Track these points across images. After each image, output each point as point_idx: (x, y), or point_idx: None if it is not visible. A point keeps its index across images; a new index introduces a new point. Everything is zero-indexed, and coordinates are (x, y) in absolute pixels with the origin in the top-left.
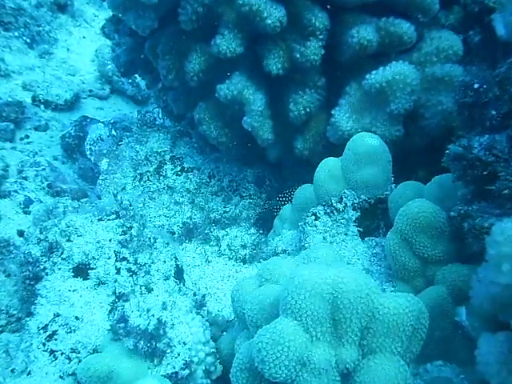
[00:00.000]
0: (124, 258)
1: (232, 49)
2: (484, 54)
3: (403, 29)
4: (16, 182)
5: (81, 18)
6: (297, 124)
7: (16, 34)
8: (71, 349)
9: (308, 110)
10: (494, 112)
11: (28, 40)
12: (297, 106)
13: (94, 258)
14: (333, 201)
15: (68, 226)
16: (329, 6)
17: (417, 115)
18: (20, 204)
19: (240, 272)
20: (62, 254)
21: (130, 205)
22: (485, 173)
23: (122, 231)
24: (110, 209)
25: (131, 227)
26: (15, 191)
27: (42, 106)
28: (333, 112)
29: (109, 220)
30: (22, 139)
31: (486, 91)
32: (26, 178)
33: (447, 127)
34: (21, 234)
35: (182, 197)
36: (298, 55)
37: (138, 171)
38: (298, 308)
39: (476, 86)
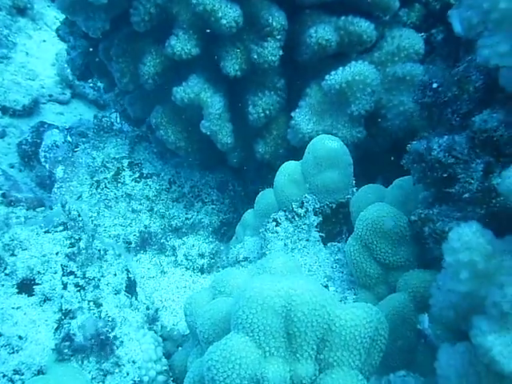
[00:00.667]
0: (71, 272)
1: (187, 50)
2: (447, 52)
3: (362, 27)
4: None
5: (41, 21)
6: (256, 127)
7: None
8: (14, 370)
9: (268, 112)
10: (452, 112)
11: None
12: (256, 108)
13: (39, 272)
14: (294, 206)
15: (12, 240)
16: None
17: (379, 116)
18: None
19: (197, 283)
20: (5, 269)
21: (79, 215)
22: (444, 175)
23: (70, 243)
24: (58, 220)
25: (80, 239)
26: None
27: None
28: (292, 114)
29: (56, 232)
30: None
31: (445, 91)
32: None
33: (410, 128)
34: None
35: (140, 204)
36: (255, 56)
37: (95, 178)
38: (250, 323)
39: (435, 85)
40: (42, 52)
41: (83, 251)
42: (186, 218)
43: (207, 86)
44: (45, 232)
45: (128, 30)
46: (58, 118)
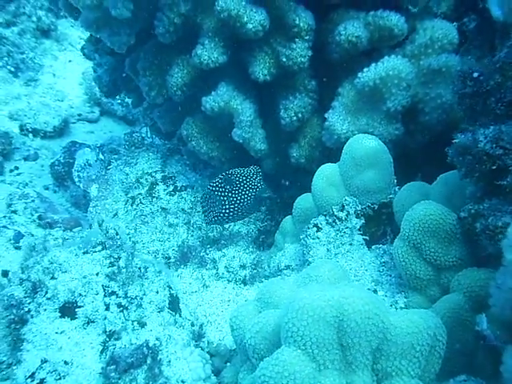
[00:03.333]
0: (113, 293)
1: (214, 58)
2: (481, 40)
3: (393, 21)
4: (5, 216)
5: (66, 42)
6: (290, 131)
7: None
8: None
9: (300, 115)
10: (496, 101)
11: (12, 69)
12: (288, 112)
13: (80, 294)
14: (334, 210)
15: (51, 263)
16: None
17: (416, 111)
18: (10, 240)
19: (241, 295)
20: (46, 293)
21: (117, 233)
22: (493, 167)
23: (110, 263)
24: (96, 240)
25: (119, 258)
26: (4, 226)
27: (30, 135)
28: (326, 115)
29: (95, 252)
30: (11, 171)
31: (487, 79)
32: (15, 212)
33: (450, 121)
34: (5, 273)
35: (177, 218)
36: (284, 59)
37: (130, 195)
38: (301, 335)
39: (475, 74)
40: (68, 72)
41: (123, 270)
42: (224, 229)
43: (236, 94)
44: (83, 253)
45: (153, 43)
46: (89, 136)
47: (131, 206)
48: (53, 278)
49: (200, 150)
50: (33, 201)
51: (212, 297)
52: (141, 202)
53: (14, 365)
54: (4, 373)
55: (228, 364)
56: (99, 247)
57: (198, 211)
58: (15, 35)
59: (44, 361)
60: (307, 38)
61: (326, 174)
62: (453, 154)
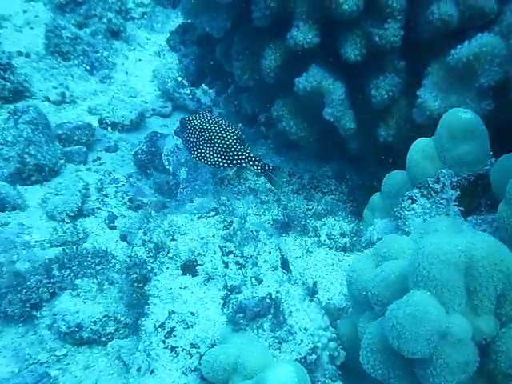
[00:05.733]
0: (230, 252)
1: (309, 39)
2: None
3: (483, 1)
4: (98, 199)
5: (134, 42)
6: (380, 109)
7: (76, 62)
8: (191, 344)
9: (391, 93)
10: None
11: (88, 67)
12: (379, 90)
13: (200, 254)
14: (429, 182)
15: (171, 226)
16: None
17: (506, 88)
18: (105, 220)
19: (343, 260)
20: (168, 253)
21: (228, 200)
22: None
23: (224, 226)
24: (209, 206)
25: (232, 222)
26: (98, 208)
27: (109, 128)
28: (418, 93)
29: (209, 217)
30: (94, 161)
31: None
32: (106, 195)
33: None
34: (124, 238)
35: (267, 196)
36: (377, 38)
37: (218, 176)
38: (432, 279)
39: None
40: (139, 70)
41: (238, 232)
42: (307, 209)
43: (327, 74)
44: (198, 218)
45: (246, 28)
46: (163, 129)
47: (220, 186)
48: (173, 239)
49: (290, 129)
50: (123, 185)
51: (316, 261)
52: (229, 183)
53: (130, 324)
54: (121, 331)
55: (338, 321)
56: (212, 212)
57: (284, 191)
58: (88, 36)
59: (172, 312)
60: (400, 18)
61: (421, 147)
62: None
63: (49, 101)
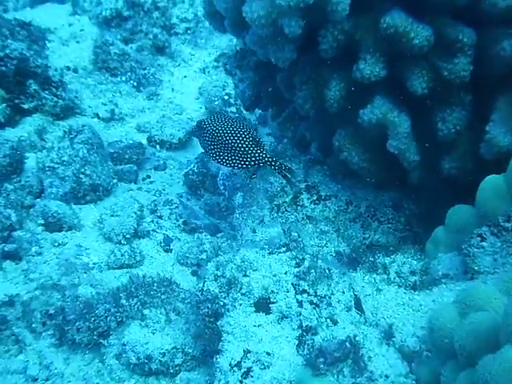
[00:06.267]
0: (304, 291)
1: (376, 73)
2: None
3: None
4: (152, 221)
5: (179, 58)
6: (446, 142)
7: (123, 78)
8: None
9: (458, 127)
10: None
11: (135, 83)
12: (446, 124)
13: (273, 291)
14: (500, 220)
15: (243, 261)
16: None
17: None
18: (160, 243)
19: (414, 300)
20: (240, 289)
21: (299, 236)
22: None
23: (296, 263)
24: (279, 242)
25: (304, 259)
26: (153, 230)
27: (157, 146)
28: (487, 128)
29: (280, 253)
30: (143, 179)
31: None
32: (161, 217)
33: None
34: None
35: (326, 225)
36: (445, 73)
37: (275, 202)
38: None
39: None
40: (184, 87)
41: (312, 270)
42: (364, 238)
43: (392, 106)
44: (269, 253)
45: (310, 58)
46: None
47: (276, 213)
48: (245, 275)
49: (352, 159)
50: (176, 207)
51: (386, 300)
52: (286, 210)
53: (197, 357)
54: (189, 363)
55: (412, 364)
56: (283, 248)
57: (341, 220)
58: (134, 52)
59: (247, 351)
60: (469, 53)
61: (492, 184)
62: None
63: (98, 117)
